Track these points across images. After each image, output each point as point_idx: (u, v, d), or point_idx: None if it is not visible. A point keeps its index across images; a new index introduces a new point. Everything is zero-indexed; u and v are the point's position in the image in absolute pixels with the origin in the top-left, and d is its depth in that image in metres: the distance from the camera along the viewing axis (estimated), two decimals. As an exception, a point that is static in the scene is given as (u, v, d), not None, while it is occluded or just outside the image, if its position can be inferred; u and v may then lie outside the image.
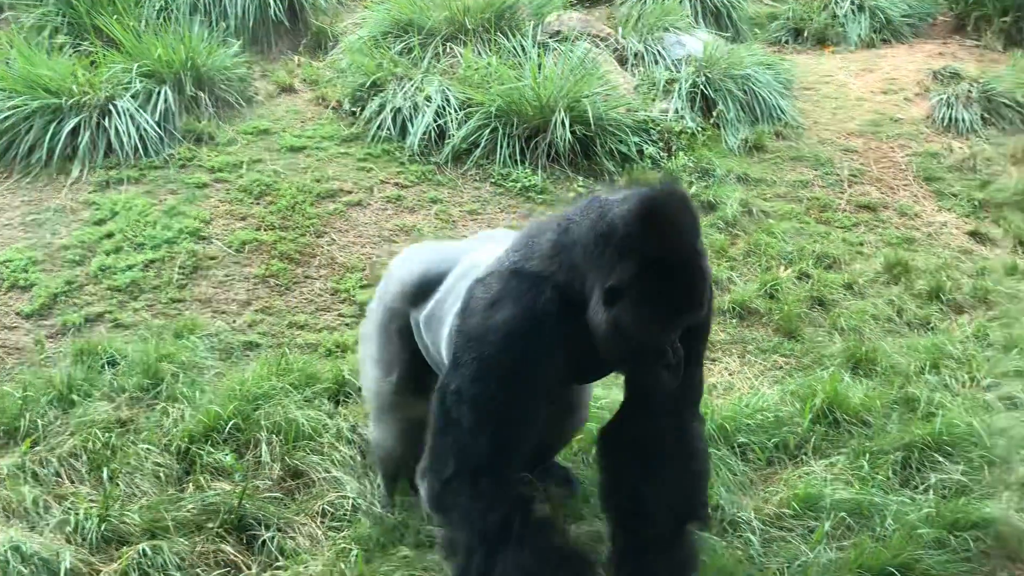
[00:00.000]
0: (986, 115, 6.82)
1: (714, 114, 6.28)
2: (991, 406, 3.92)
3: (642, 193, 2.29)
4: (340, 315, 4.27)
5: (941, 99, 6.88)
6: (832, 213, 5.78)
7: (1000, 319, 4.86)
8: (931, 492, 3.26)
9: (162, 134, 5.15)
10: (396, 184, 5.17)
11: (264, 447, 3.22)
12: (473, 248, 2.82)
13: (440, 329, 2.66)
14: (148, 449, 3.19)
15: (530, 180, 5.35)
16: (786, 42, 8.18)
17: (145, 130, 5.07)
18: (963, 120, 6.72)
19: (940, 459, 3.42)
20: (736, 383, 4.17)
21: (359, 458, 3.28)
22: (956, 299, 5.04)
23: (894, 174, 6.25)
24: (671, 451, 2.60)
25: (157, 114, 5.17)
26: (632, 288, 2.21)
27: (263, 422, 3.29)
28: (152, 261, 4.43)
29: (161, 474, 3.12)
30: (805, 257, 5.26)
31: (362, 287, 4.40)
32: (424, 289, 2.77)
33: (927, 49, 7.92)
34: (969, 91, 6.90)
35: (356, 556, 2.76)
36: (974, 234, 5.82)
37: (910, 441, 3.48)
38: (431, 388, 2.62)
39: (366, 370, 3.08)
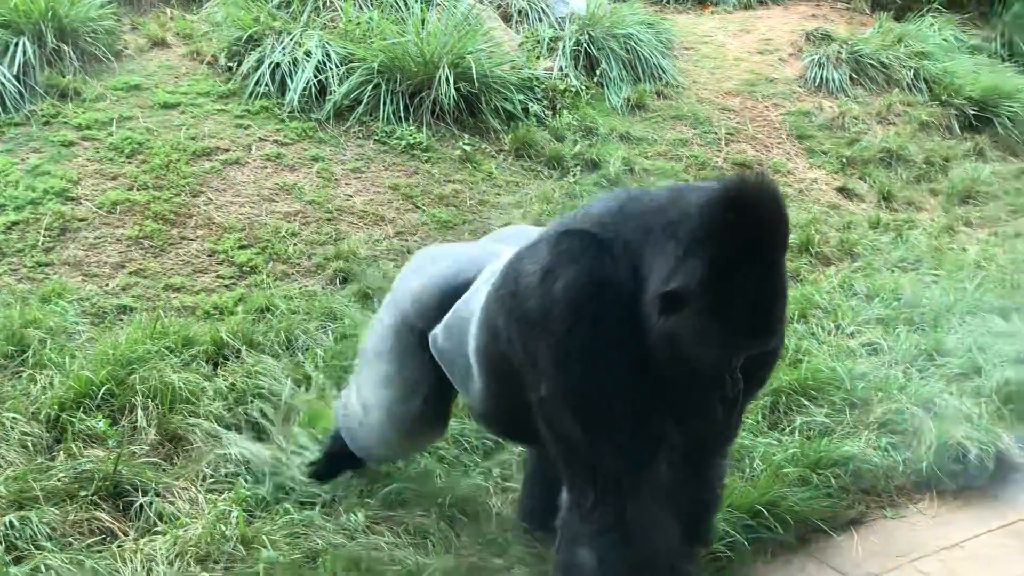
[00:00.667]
0: (854, 75, 7.12)
1: (597, 72, 6.35)
2: (854, 352, 4.14)
3: (728, 181, 1.88)
4: (218, 276, 4.17)
5: (813, 60, 7.15)
6: (710, 171, 5.95)
7: (864, 270, 5.13)
8: (797, 434, 3.44)
9: (22, 89, 4.87)
10: (276, 142, 5.05)
11: (140, 412, 3.13)
12: (496, 252, 2.43)
13: (464, 328, 2.31)
14: (14, 418, 3.06)
15: (415, 138, 5.30)
16: (667, 1, 8.31)
17: (2, 84, 4.78)
18: (833, 80, 7.00)
19: (806, 403, 3.61)
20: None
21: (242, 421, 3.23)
22: (824, 252, 5.29)
23: (768, 132, 6.47)
24: (685, 479, 2.18)
25: (15, 67, 4.88)
26: (698, 296, 1.80)
27: (138, 387, 3.19)
28: (15, 223, 4.21)
29: (29, 443, 3.00)
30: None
31: (240, 247, 4.30)
32: (444, 302, 2.44)
33: (801, 11, 8.19)
34: (839, 52, 7.19)
35: (237, 517, 2.73)
36: (842, 190, 6.10)
37: (778, 387, 3.65)
38: (451, 412, 2.48)
39: (373, 392, 2.72)
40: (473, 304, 2.29)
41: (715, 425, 2.00)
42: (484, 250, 2.54)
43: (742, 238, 1.78)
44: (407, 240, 4.62)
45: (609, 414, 1.95)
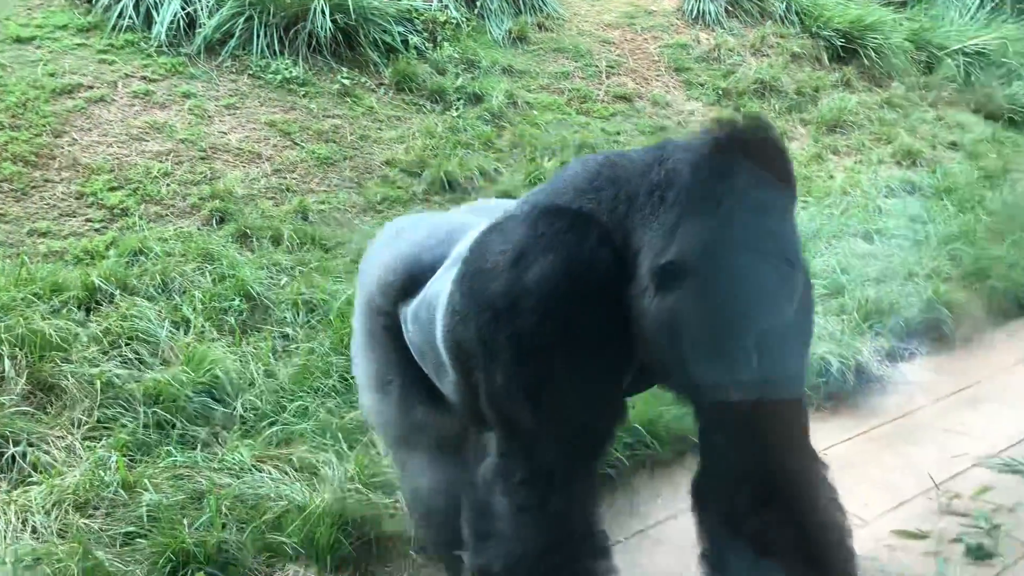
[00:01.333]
0: (729, 7, 7.27)
1: (478, 4, 6.28)
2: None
3: (721, 129, 1.62)
4: (87, 220, 3.99)
5: (690, -8, 7.25)
6: (592, 104, 6.02)
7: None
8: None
9: None
10: (143, 78, 4.82)
11: (7, 361, 3.01)
12: (470, 224, 2.14)
13: (432, 313, 2.01)
14: None
15: (291, 72, 5.15)
16: (548, -67, 8.23)
17: None
18: (709, 12, 7.12)
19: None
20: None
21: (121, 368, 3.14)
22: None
23: (647, 65, 6.56)
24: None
25: None
26: (698, 268, 1.54)
27: (4, 335, 3.06)
28: None
29: None
30: (567, 147, 5.45)
31: (110, 189, 4.13)
32: (415, 278, 2.12)
33: (678, -57, 8.25)
34: (715, -16, 7.30)
35: (117, 462, 2.68)
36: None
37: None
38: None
39: (363, 400, 2.42)
40: (440, 286, 2.00)
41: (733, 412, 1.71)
42: (458, 224, 2.19)
43: (745, 195, 1.53)
44: (286, 178, 4.53)
45: (565, 412, 1.76)
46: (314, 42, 5.30)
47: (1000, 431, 3.35)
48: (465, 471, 2.18)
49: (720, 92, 6.46)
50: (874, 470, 3.13)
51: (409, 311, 2.12)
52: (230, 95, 4.93)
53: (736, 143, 1.57)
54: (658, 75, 6.52)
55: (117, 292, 3.46)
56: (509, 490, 1.82)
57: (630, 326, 1.67)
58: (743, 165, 1.54)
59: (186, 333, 3.35)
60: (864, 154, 6.28)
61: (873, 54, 7.31)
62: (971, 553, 2.66)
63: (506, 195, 4.76)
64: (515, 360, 1.74)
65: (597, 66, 6.34)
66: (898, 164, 6.22)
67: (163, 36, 5.02)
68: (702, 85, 6.54)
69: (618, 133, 5.78)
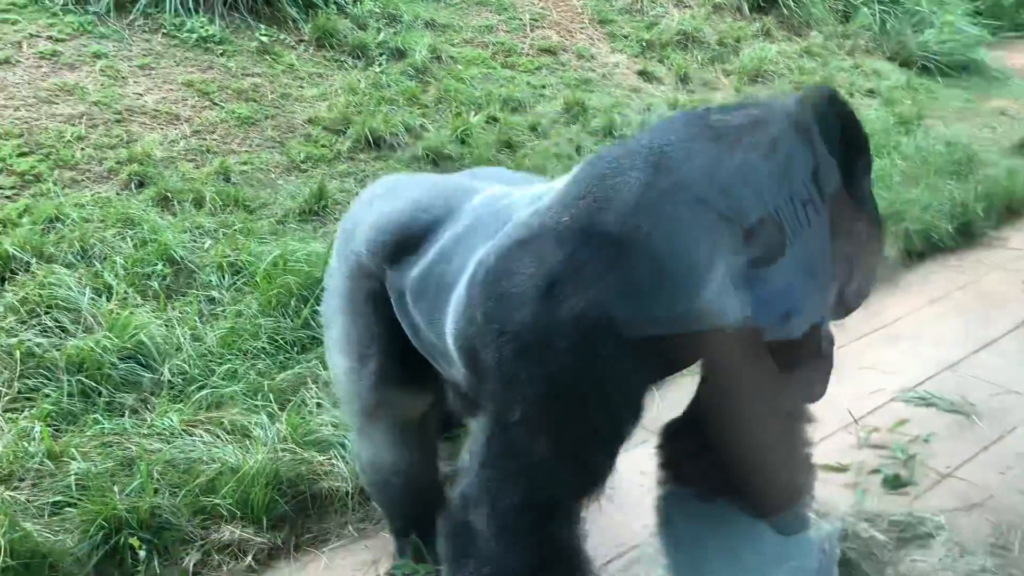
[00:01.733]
0: (651, -41, 7.26)
1: (398, -42, 6.17)
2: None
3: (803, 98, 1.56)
4: (-2, 187, 3.85)
5: (612, -57, 7.22)
6: (517, 57, 5.99)
7: (663, 150, 5.36)
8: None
9: None
10: (49, 38, 4.63)
11: (-82, 336, 2.92)
12: (473, 189, 1.99)
13: (443, 299, 1.83)
14: None
15: (207, 30, 5.01)
16: None
17: None
18: (631, -36, 7.11)
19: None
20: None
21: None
22: (627, 134, 5.48)
23: (571, 18, 6.54)
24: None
25: None
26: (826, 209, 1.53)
27: (-88, 309, 2.96)
28: None
29: None
30: (493, 101, 5.43)
31: (20, 155, 3.97)
32: (409, 239, 1.94)
33: None
34: (636, -65, 7.28)
35: (41, 432, 2.62)
36: (642, 73, 6.30)
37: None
38: (429, 374, 2.05)
39: (334, 362, 2.26)
40: (457, 265, 1.81)
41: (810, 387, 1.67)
42: (458, 186, 2.06)
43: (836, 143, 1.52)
44: (206, 139, 4.42)
45: (586, 452, 1.64)
46: (230, -1, 5.17)
47: (915, 367, 3.48)
48: (425, 451, 2.26)
49: (644, 44, 6.49)
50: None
51: (409, 283, 1.93)
52: (144, 55, 4.78)
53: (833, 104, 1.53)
54: (582, 27, 6.52)
55: (33, 260, 3.36)
56: (498, 513, 1.69)
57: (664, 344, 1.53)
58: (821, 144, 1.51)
59: (109, 300, 3.27)
60: (785, 103, 6.38)
61: (792, 3, 7.42)
62: (888, 483, 2.78)
63: (434, 151, 4.75)
64: (538, 398, 1.58)
65: (521, 19, 6.30)
66: (817, 112, 6.34)
67: (69, -6, 4.82)
68: (626, 37, 6.56)
69: (543, 87, 5.78)
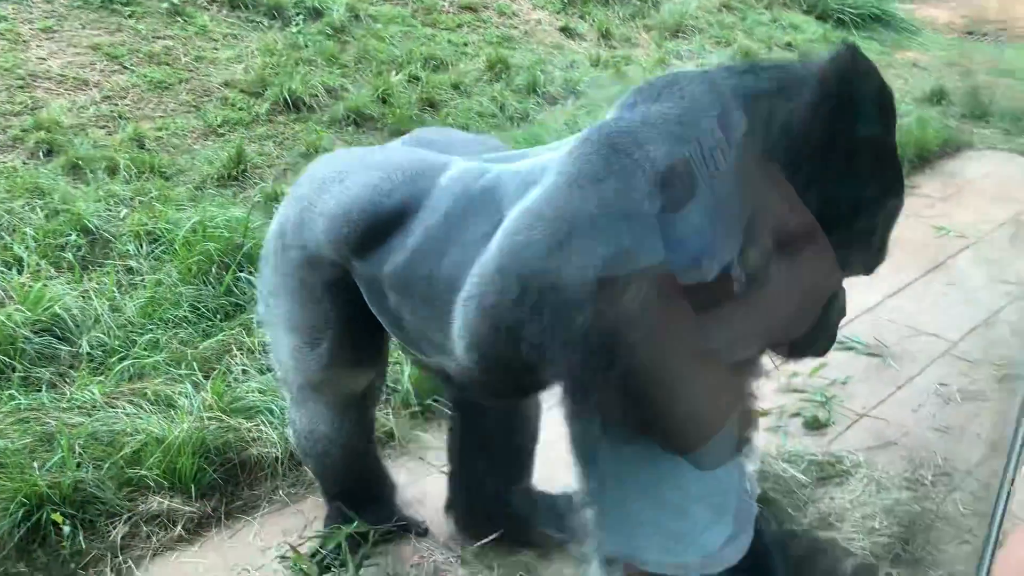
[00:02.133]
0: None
1: (311, -87, 6.00)
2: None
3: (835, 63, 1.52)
4: None
5: (530, -102, 7.14)
6: (437, 15, 5.91)
7: (587, 107, 5.37)
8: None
9: None
10: (-58, 1, 4.42)
11: None
12: (432, 164, 1.88)
13: (442, 294, 1.74)
14: None
15: (113, -10, 4.83)
16: None
17: None
18: (550, -81, 7.05)
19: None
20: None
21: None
22: (550, 91, 5.48)
23: (492, -26, 6.48)
24: None
25: None
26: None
27: None
28: None
29: None
30: (414, 60, 5.37)
31: (-83, 125, 3.80)
32: (376, 228, 1.83)
33: None
34: None
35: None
36: (564, 30, 6.28)
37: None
38: (380, 352, 2.08)
39: (277, 337, 2.17)
40: (457, 258, 1.72)
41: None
42: (415, 162, 1.91)
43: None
44: (117, 105, 4.27)
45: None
46: (135, -43, 4.97)
47: (833, 312, 3.59)
48: (364, 423, 2.28)
49: (565, 0, 6.46)
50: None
51: (388, 277, 1.82)
52: (46, 17, 4.58)
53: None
54: (503, -16, 6.46)
55: (-65, 235, 3.23)
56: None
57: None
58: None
59: (20, 273, 3.16)
60: (705, 58, 6.44)
61: (710, -42, 7.45)
62: (808, 424, 2.88)
63: (356, 112, 4.68)
64: (636, 381, 1.53)
65: (441, -23, 6.21)
66: (737, 66, 6.42)
67: (-39, -47, 4.58)
68: (546, -7, 6.53)
69: (465, 44, 5.73)
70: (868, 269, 1.67)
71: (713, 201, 1.47)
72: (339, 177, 1.94)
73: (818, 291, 1.58)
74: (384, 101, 4.93)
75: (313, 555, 2.27)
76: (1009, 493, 1.36)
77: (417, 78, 5.20)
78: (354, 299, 1.96)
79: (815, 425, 2.88)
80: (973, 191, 4.99)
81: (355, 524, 2.26)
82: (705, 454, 1.56)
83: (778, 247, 1.50)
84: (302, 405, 2.22)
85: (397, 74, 5.17)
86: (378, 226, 1.82)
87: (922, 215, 4.59)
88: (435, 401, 2.82)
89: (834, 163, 1.49)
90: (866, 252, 1.64)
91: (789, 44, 7.07)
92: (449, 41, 5.68)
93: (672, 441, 1.58)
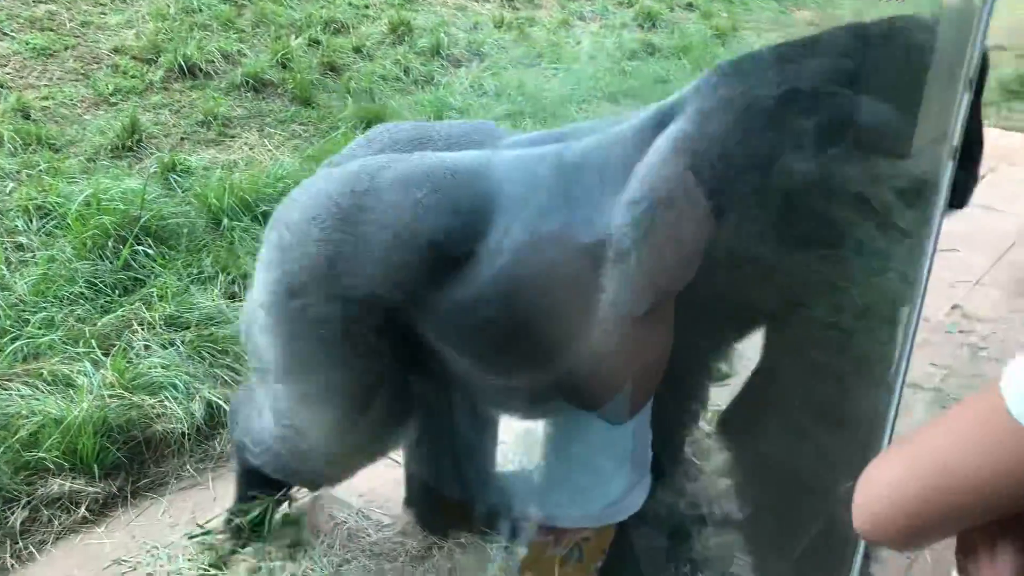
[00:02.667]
0: None
1: None
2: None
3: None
4: None
5: None
6: (337, -20, 5.78)
7: (491, 69, 5.36)
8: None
9: None
10: None
11: None
12: (490, 160, 1.64)
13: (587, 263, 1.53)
14: None
15: (-13, -48, 4.57)
16: None
17: None
18: None
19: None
20: (257, 156, 4.17)
21: None
22: (454, 53, 5.43)
23: (391, -66, 6.35)
24: None
25: None
26: None
27: None
28: None
29: None
30: (314, 23, 5.25)
31: None
32: (456, 250, 1.55)
33: None
34: None
35: None
36: (467, -9, 6.23)
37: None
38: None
39: (305, 413, 1.83)
40: (590, 225, 1.53)
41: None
42: (462, 162, 1.64)
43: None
44: (-2, 73, 4.07)
45: None
46: (11, -84, 4.70)
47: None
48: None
49: (466, -39, 6.39)
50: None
51: (482, 293, 1.54)
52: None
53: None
54: (403, -55, 6.34)
55: None
56: None
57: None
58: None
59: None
60: (608, 19, 6.48)
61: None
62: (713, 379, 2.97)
63: (254, 78, 4.56)
64: None
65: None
66: (640, 27, 6.48)
67: None
68: (449, -46, 6.43)
69: (367, 6, 5.63)
70: (962, 203, 1.67)
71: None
72: (374, 205, 1.58)
73: (695, 244, 1.57)
74: (284, 66, 4.82)
75: (228, 521, 2.23)
76: (893, 429, 1.43)
77: (317, 42, 5.09)
78: (407, 341, 1.67)
79: (719, 377, 2.97)
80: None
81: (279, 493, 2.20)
82: (615, 407, 1.60)
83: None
84: (265, 413, 1.92)
85: (296, 38, 5.05)
86: (454, 245, 1.55)
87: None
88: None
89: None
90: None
91: (690, 4, 7.15)
92: (350, 3, 5.57)
93: (583, 398, 1.62)
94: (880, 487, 0.74)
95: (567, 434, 1.66)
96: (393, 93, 4.89)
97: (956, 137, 1.30)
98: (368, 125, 4.42)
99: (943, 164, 1.36)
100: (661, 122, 1.56)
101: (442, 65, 5.31)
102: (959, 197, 1.65)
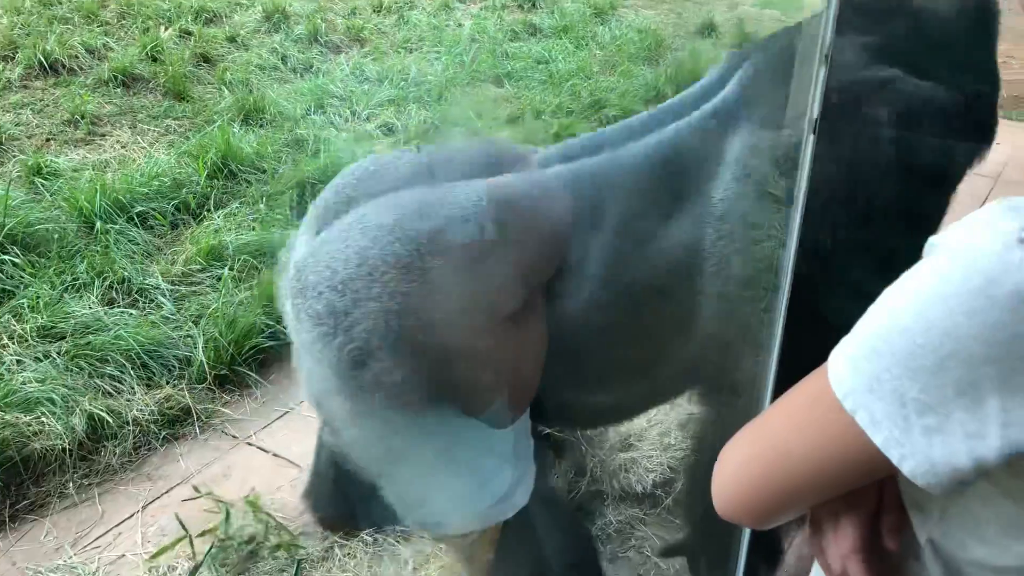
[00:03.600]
0: None
1: None
2: (371, 135, 4.33)
3: None
4: None
5: None
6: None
7: (372, 54, 5.27)
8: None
9: None
10: None
11: None
12: (556, 174, 1.55)
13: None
14: None
15: None
16: None
17: None
18: None
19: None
20: (130, 155, 4.00)
21: None
22: (333, 40, 5.33)
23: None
24: None
25: None
26: None
27: None
28: None
29: None
30: (184, 13, 5.06)
31: None
32: (559, 264, 1.53)
33: None
34: None
35: None
36: (347, -25, 6.10)
37: (302, 179, 3.72)
38: None
39: (424, 488, 1.65)
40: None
41: None
42: (527, 184, 1.55)
43: None
44: None
45: None
46: None
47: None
48: None
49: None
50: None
51: (587, 300, 1.52)
52: None
53: None
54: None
55: None
56: None
57: None
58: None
59: None
60: (487, 1, 6.46)
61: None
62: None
63: (123, 73, 4.37)
64: None
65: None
66: (520, 8, 6.48)
67: None
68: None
69: (239, -5, 5.45)
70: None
71: None
72: (476, 258, 1.44)
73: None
74: (154, 59, 4.63)
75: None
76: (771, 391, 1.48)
77: (189, 33, 4.91)
78: None
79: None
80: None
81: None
82: (498, 412, 1.58)
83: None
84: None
85: (166, 30, 4.86)
86: (557, 259, 1.52)
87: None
88: (231, 371, 2.73)
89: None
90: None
91: (569, -17, 7.19)
92: (221, -9, 5.39)
93: (465, 405, 1.60)
94: (730, 466, 0.76)
95: (450, 439, 1.63)
96: (271, 83, 4.77)
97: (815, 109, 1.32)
98: (247, 117, 4.31)
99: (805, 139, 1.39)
100: (719, 119, 1.51)
101: (321, 52, 5.20)
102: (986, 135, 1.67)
